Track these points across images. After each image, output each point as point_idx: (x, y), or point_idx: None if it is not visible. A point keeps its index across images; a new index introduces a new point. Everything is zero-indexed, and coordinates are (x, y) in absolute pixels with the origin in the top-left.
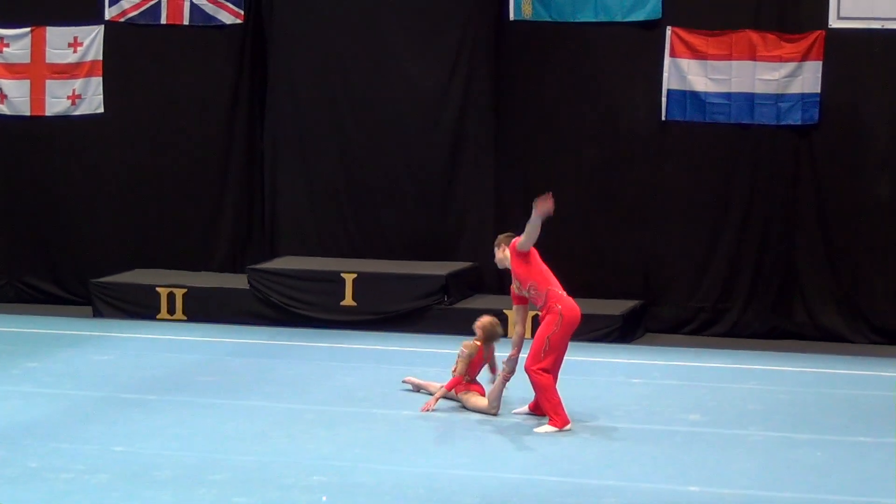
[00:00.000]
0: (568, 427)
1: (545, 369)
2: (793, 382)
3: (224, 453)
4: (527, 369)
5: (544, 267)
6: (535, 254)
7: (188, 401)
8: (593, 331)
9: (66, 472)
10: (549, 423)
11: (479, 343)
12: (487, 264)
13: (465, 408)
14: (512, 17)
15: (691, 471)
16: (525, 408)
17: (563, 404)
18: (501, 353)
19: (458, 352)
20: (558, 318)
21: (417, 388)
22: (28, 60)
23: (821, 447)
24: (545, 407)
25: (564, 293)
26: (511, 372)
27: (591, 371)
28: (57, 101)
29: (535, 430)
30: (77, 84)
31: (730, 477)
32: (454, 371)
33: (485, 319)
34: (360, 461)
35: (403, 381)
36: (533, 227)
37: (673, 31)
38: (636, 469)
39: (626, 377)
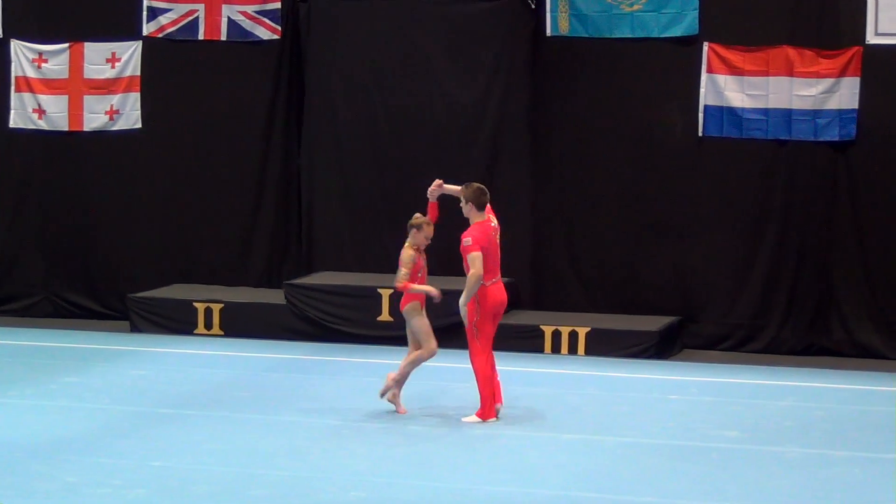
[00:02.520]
0: (492, 420)
1: (480, 352)
2: (830, 399)
3: (261, 469)
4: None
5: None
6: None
7: (225, 416)
8: (630, 347)
9: (104, 486)
10: (476, 413)
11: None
12: (524, 280)
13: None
14: (549, 32)
15: (728, 487)
16: (472, 416)
17: (495, 396)
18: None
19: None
20: (476, 306)
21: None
22: (66, 76)
23: (858, 465)
24: (480, 395)
25: (493, 280)
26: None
27: (627, 387)
28: (95, 117)
29: (463, 419)
30: (115, 99)
31: (767, 494)
32: (399, 280)
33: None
34: (397, 477)
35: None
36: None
37: (710, 47)
38: (673, 486)
39: (662, 393)
